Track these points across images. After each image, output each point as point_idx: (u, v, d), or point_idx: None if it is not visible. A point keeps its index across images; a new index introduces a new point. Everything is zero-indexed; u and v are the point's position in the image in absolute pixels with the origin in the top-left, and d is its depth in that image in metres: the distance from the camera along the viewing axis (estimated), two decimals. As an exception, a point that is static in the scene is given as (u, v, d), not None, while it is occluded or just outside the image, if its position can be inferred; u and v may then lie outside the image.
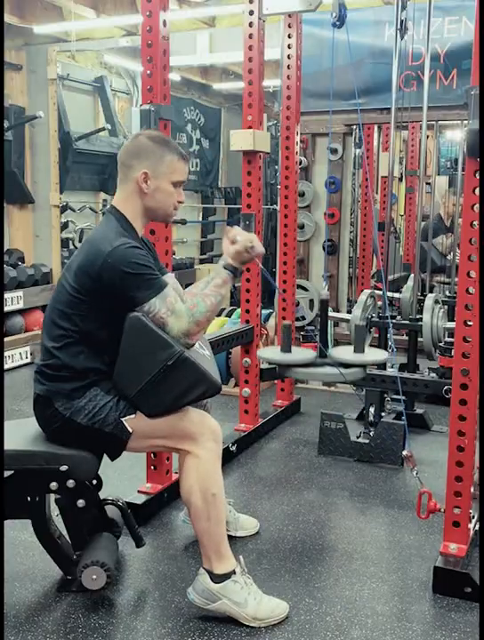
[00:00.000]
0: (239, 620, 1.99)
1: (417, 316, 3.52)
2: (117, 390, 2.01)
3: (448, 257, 5.22)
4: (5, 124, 5.18)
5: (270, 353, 2.75)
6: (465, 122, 3.11)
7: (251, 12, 3.21)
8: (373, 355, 2.71)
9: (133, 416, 1.99)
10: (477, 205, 2.05)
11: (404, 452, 2.43)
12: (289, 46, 3.64)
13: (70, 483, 2.03)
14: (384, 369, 3.37)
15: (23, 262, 5.59)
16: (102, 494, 2.25)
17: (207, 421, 2.04)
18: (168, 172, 2.06)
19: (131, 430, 1.99)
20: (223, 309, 5.39)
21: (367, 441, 3.28)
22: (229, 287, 2.06)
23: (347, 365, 2.55)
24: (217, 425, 2.07)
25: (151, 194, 2.06)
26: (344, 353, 2.67)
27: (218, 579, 1.98)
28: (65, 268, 2.08)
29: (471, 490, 2.22)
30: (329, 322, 4.29)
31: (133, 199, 2.08)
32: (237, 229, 2.09)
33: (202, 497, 1.96)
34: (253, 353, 3.48)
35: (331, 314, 4.23)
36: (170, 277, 2.19)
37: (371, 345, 3.77)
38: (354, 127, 4.52)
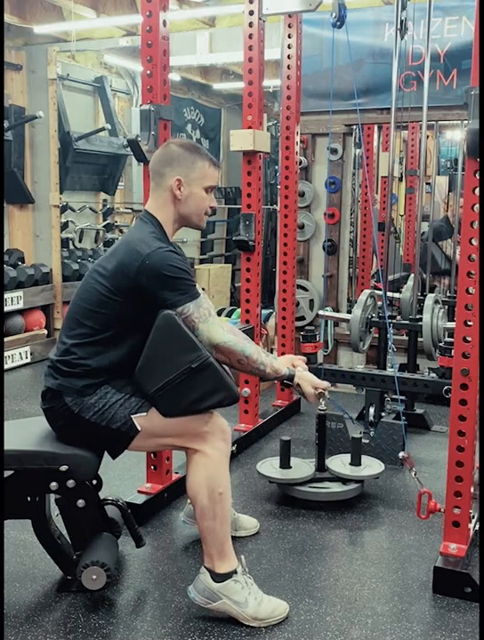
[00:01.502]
0: (239, 619, 1.99)
1: (417, 316, 3.52)
2: (137, 385, 2.01)
3: (454, 260, 5.21)
4: (5, 124, 5.18)
5: (270, 469, 2.82)
6: (465, 122, 3.11)
7: (251, 12, 3.21)
8: (369, 469, 2.79)
9: (144, 414, 2.00)
10: (477, 205, 2.05)
11: (401, 454, 2.44)
12: (289, 46, 3.64)
13: (70, 483, 2.04)
14: (384, 369, 3.37)
15: (23, 262, 5.58)
16: (102, 494, 2.25)
17: (217, 421, 2.05)
18: (200, 177, 2.09)
19: (140, 428, 1.99)
20: (223, 309, 5.40)
21: (366, 441, 3.28)
22: (274, 377, 2.13)
23: (345, 481, 2.67)
24: (226, 424, 2.08)
25: (184, 200, 2.09)
26: (342, 467, 2.76)
27: (219, 578, 1.98)
28: (93, 268, 2.08)
29: (472, 490, 2.22)
30: (329, 322, 4.31)
31: (166, 206, 2.10)
32: (299, 360, 2.28)
33: (209, 495, 1.97)
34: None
35: (331, 314, 4.26)
36: (200, 289, 2.20)
37: (371, 345, 3.79)
38: (354, 127, 4.52)
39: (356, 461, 2.78)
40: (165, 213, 2.11)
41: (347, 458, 2.82)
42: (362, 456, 2.83)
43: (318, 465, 2.79)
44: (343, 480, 2.75)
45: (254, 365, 2.04)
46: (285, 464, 2.78)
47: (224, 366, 2.08)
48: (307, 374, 2.22)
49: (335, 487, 2.73)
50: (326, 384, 2.24)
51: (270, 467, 2.84)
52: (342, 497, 2.74)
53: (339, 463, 2.82)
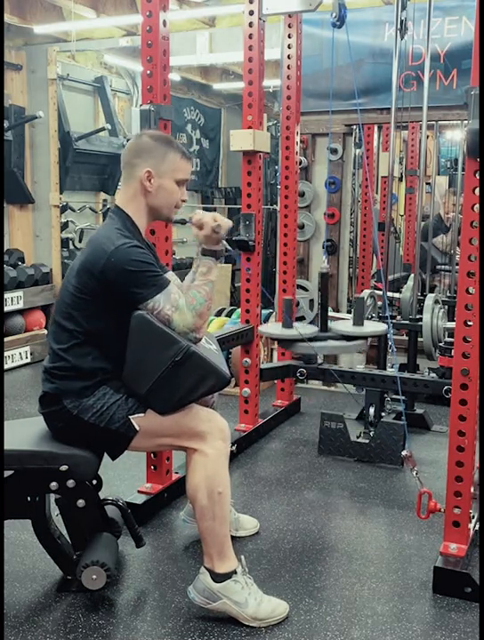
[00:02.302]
0: (239, 619, 1.99)
1: (417, 316, 3.52)
2: (128, 390, 2.02)
3: (451, 254, 5.21)
4: (5, 124, 5.18)
5: (273, 328, 2.71)
6: (465, 122, 3.11)
7: (251, 12, 3.21)
8: (372, 326, 2.68)
9: (141, 414, 2.00)
10: (477, 205, 2.05)
11: (404, 453, 2.43)
12: (289, 46, 3.64)
13: (70, 483, 2.04)
14: (384, 369, 3.37)
15: (23, 262, 5.58)
16: (102, 494, 2.25)
17: (216, 420, 2.05)
18: (171, 170, 2.08)
19: (138, 428, 1.99)
20: (223, 309, 5.39)
21: (366, 441, 3.28)
22: (216, 272, 2.07)
23: (349, 338, 2.53)
24: (225, 424, 2.08)
25: (155, 192, 2.07)
26: (344, 326, 2.64)
27: (219, 578, 1.98)
28: (68, 270, 2.09)
29: (471, 490, 2.22)
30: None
31: (136, 198, 2.09)
32: (199, 213, 2.07)
33: (208, 495, 1.96)
34: (253, 353, 3.48)
35: (331, 314, 4.25)
36: (171, 275, 2.19)
37: (371, 345, 3.78)
38: (354, 127, 4.52)
39: (359, 322, 2.65)
40: (135, 206, 2.09)
41: (349, 321, 2.67)
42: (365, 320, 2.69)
43: (321, 325, 2.64)
44: (347, 338, 2.60)
45: (209, 293, 1.99)
46: (287, 324, 2.63)
47: (214, 348, 2.09)
48: (201, 237, 2.05)
49: (344, 343, 2.56)
50: (209, 215, 2.05)
51: (274, 328, 2.71)
52: (346, 351, 2.62)
53: (341, 324, 2.69)
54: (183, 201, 2.14)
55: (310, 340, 2.56)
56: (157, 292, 1.93)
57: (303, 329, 2.61)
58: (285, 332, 2.60)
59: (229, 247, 2.16)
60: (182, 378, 1.96)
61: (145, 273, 1.93)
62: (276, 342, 4.29)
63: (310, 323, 4.65)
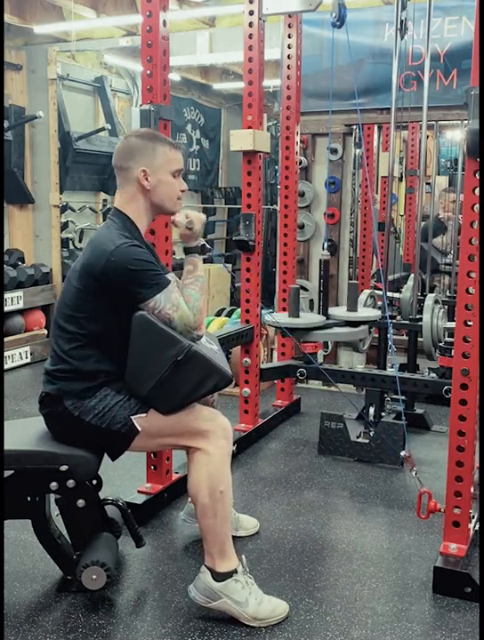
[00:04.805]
0: (240, 619, 1.99)
1: (417, 316, 3.52)
2: (130, 390, 2.02)
3: (449, 256, 5.22)
4: (5, 124, 5.17)
5: (281, 318, 2.70)
6: (465, 122, 3.11)
7: (251, 12, 3.21)
8: (366, 312, 2.72)
9: (143, 415, 2.00)
10: (477, 205, 2.05)
11: (403, 453, 2.43)
12: (289, 46, 3.64)
13: (70, 483, 2.04)
14: (384, 369, 3.37)
15: (23, 262, 5.58)
16: (102, 494, 2.25)
17: (219, 419, 2.05)
18: (165, 163, 2.09)
19: (140, 428, 1.99)
20: (223, 309, 5.40)
21: (366, 441, 3.28)
22: (202, 266, 2.12)
23: (353, 324, 2.55)
24: (228, 423, 2.08)
25: (154, 189, 2.08)
26: (340, 312, 2.66)
27: (220, 577, 1.98)
28: (69, 272, 2.09)
29: (471, 490, 2.22)
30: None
31: (136, 199, 2.10)
32: (178, 216, 2.13)
33: (210, 494, 1.96)
34: (253, 353, 3.48)
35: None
36: (171, 276, 2.20)
37: (371, 345, 3.79)
38: (354, 127, 4.52)
39: (352, 308, 2.68)
40: (135, 207, 2.10)
41: (342, 308, 2.71)
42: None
43: (323, 310, 2.65)
44: (351, 324, 2.63)
45: (204, 290, 2.06)
46: (294, 313, 2.63)
47: (215, 348, 2.12)
48: (181, 237, 2.14)
49: (346, 329, 2.61)
50: (187, 212, 2.13)
51: (281, 317, 2.71)
52: (352, 337, 2.65)
53: (337, 311, 2.71)
54: (183, 191, 2.15)
55: (318, 328, 2.58)
56: (158, 291, 1.94)
57: (309, 317, 2.63)
58: (292, 320, 2.61)
59: (204, 243, 2.22)
60: (185, 377, 1.96)
61: (146, 272, 1.94)
62: (274, 342, 4.30)
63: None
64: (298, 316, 2.58)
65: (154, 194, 2.09)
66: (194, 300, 1.99)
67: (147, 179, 2.06)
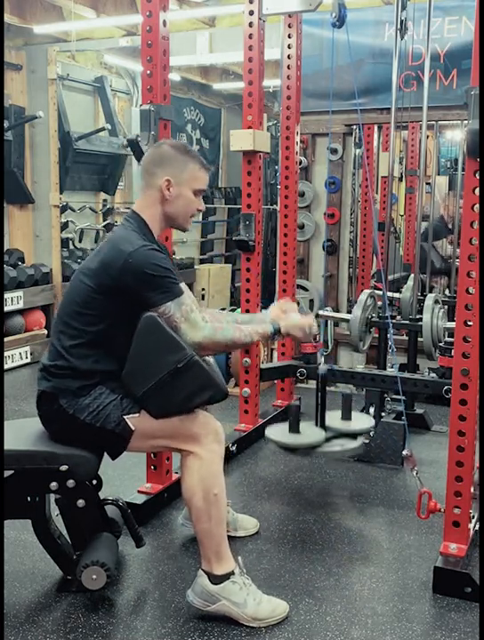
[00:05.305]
0: (239, 620, 1.99)
1: (417, 316, 3.52)
2: (125, 388, 2.02)
3: (450, 260, 5.20)
4: (5, 124, 5.17)
5: (279, 434, 2.71)
6: (465, 122, 3.11)
7: (251, 12, 3.21)
8: (360, 421, 2.76)
9: (136, 415, 2.00)
10: (477, 205, 2.05)
11: (404, 452, 2.43)
12: (289, 46, 3.64)
13: (70, 483, 2.04)
14: (384, 369, 3.37)
15: (23, 262, 5.58)
16: (102, 494, 2.25)
17: (211, 422, 2.05)
18: (190, 179, 2.12)
19: (133, 428, 1.99)
20: (223, 309, 5.39)
21: (366, 441, 3.28)
22: (263, 341, 2.15)
23: (353, 436, 2.63)
24: (220, 426, 2.08)
25: (172, 201, 2.11)
26: (344, 423, 2.69)
27: (217, 580, 1.98)
28: (79, 270, 2.09)
29: (472, 490, 2.22)
30: (329, 322, 4.31)
31: (154, 205, 2.12)
32: (289, 305, 2.29)
33: (204, 497, 1.96)
34: (253, 353, 3.48)
35: (331, 314, 4.25)
36: (183, 285, 2.20)
37: (371, 345, 3.78)
38: (354, 127, 4.52)
39: (347, 416, 2.71)
40: (151, 212, 2.12)
41: (336, 414, 2.74)
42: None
43: (321, 425, 2.69)
44: (350, 435, 2.66)
45: (242, 342, 2.09)
46: (294, 429, 2.66)
47: (210, 360, 2.12)
48: (291, 319, 2.23)
49: (349, 443, 2.64)
50: (309, 320, 2.25)
51: (280, 433, 2.72)
52: (353, 452, 2.69)
53: (336, 421, 2.73)
54: (200, 210, 2.18)
55: (317, 447, 2.63)
56: (170, 299, 1.95)
57: (310, 433, 2.67)
58: (292, 439, 2.66)
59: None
60: (182, 385, 1.96)
61: (164, 278, 1.95)
62: (275, 342, 4.30)
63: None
64: (299, 432, 2.64)
65: (171, 205, 2.11)
66: (221, 334, 2.01)
67: (169, 188, 2.08)
